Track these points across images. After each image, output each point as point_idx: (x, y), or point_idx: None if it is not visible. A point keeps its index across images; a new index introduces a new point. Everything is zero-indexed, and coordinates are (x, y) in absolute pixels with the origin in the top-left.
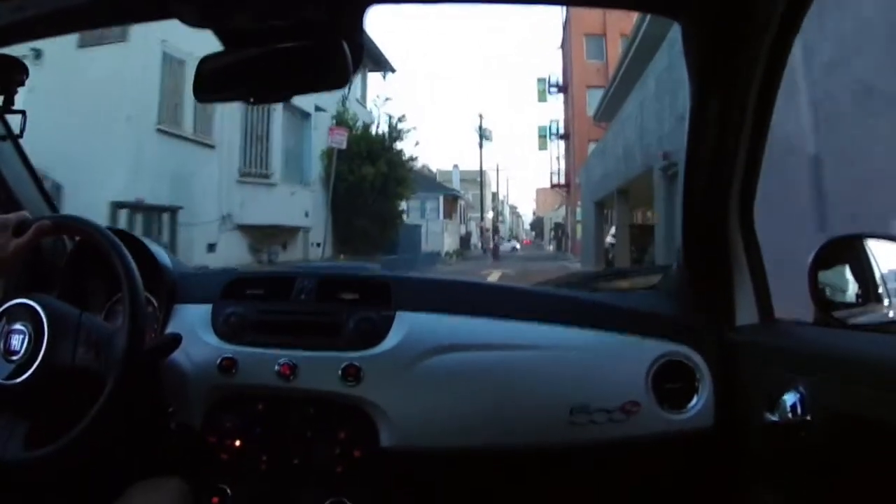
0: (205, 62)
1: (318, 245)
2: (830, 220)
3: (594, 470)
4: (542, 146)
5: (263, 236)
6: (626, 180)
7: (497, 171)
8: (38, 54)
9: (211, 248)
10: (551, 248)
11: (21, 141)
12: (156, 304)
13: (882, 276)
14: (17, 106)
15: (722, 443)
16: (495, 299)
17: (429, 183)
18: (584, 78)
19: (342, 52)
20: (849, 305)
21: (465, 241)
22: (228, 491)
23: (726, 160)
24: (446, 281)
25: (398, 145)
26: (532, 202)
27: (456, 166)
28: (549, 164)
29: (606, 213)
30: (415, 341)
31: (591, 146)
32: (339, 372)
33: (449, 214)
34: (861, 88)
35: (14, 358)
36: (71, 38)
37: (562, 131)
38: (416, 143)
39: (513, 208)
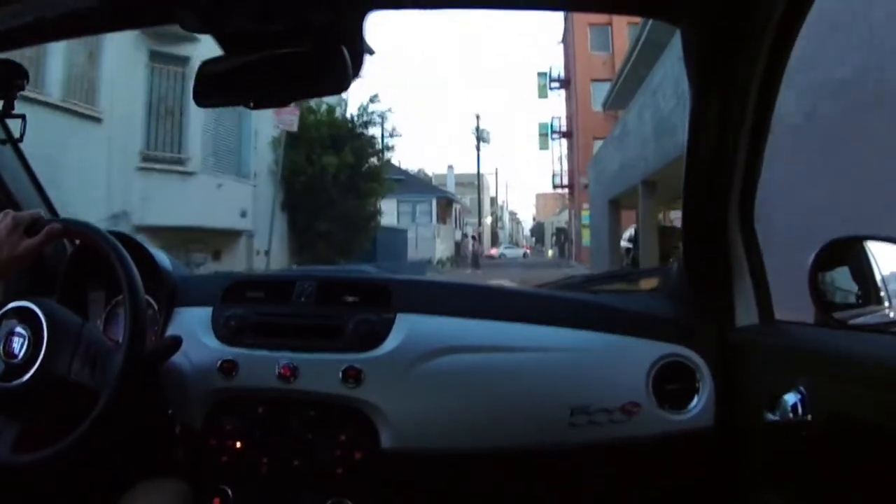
0: (205, 66)
1: (266, 253)
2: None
3: (595, 471)
4: (543, 145)
5: (180, 242)
6: (654, 169)
7: (496, 174)
8: None
9: None
10: (550, 253)
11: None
12: (156, 307)
13: (882, 278)
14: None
15: (722, 443)
16: (495, 301)
17: (421, 185)
18: (588, 70)
19: (342, 58)
20: (849, 306)
21: (459, 246)
22: (229, 493)
23: (726, 162)
24: (446, 283)
25: (370, 131)
26: (532, 207)
27: (451, 167)
28: (550, 165)
29: (622, 213)
30: (415, 343)
31: (597, 144)
32: (340, 374)
33: (443, 219)
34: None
35: (12, 360)
36: None
37: (564, 129)
38: (392, 131)
39: (512, 214)
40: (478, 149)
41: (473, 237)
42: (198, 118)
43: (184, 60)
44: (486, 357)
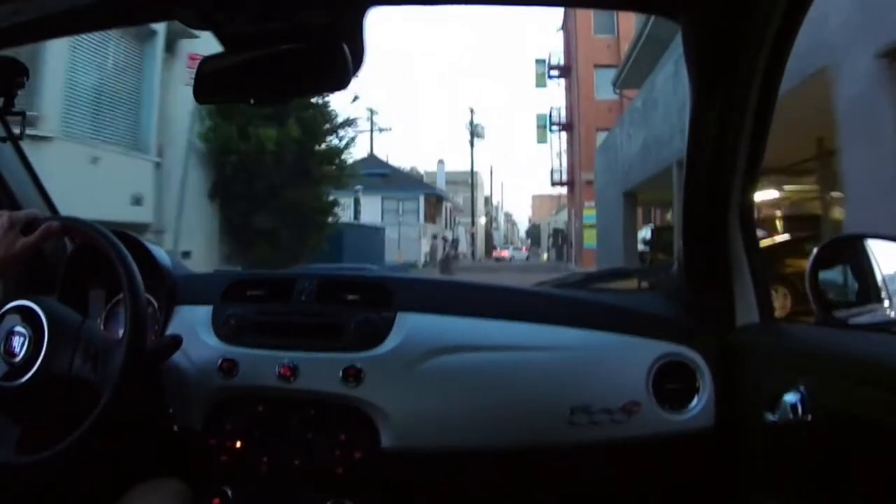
0: (205, 63)
1: (185, 255)
2: None
3: (595, 470)
4: (542, 138)
5: None
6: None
7: (490, 172)
8: None
9: None
10: (545, 256)
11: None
12: (156, 306)
13: (882, 276)
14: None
15: (722, 443)
16: (496, 300)
17: (408, 181)
18: (591, 56)
19: (342, 55)
20: (849, 305)
21: (434, 251)
22: (229, 492)
23: (726, 161)
24: (447, 282)
25: (323, 98)
26: (528, 209)
27: (441, 162)
28: (548, 163)
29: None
30: (415, 342)
31: (601, 136)
32: (340, 373)
33: (431, 218)
34: None
35: (13, 360)
36: None
37: (564, 120)
38: (355, 99)
39: (508, 216)
40: (471, 144)
41: (445, 238)
42: (59, 61)
43: None
44: (486, 356)
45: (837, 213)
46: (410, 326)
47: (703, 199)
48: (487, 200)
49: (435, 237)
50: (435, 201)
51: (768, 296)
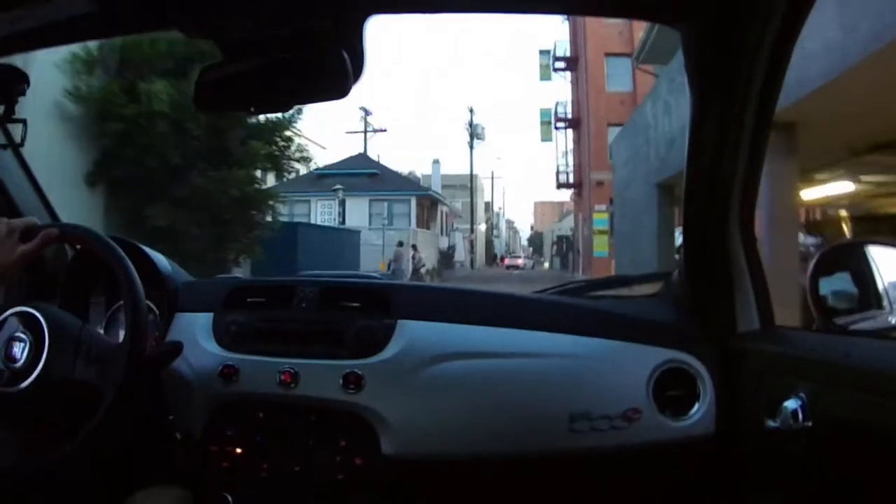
0: (205, 72)
1: None
2: None
3: (595, 477)
4: (546, 136)
5: None
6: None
7: (492, 178)
8: None
9: None
10: (546, 265)
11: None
12: (157, 313)
13: (883, 283)
14: None
15: (723, 449)
16: (496, 307)
17: (399, 181)
18: (601, 44)
19: (342, 63)
20: (850, 312)
21: (446, 256)
22: (230, 499)
23: (727, 167)
24: (447, 289)
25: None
26: (530, 217)
27: (437, 162)
28: (552, 164)
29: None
30: (416, 349)
31: (613, 133)
32: (340, 380)
33: (425, 222)
34: None
35: (14, 365)
36: None
37: (571, 116)
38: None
39: (510, 223)
40: (471, 146)
41: (414, 246)
42: None
43: None
44: (486, 363)
45: None
46: (411, 334)
47: (704, 206)
48: (488, 206)
49: (401, 244)
50: (429, 204)
51: (769, 302)
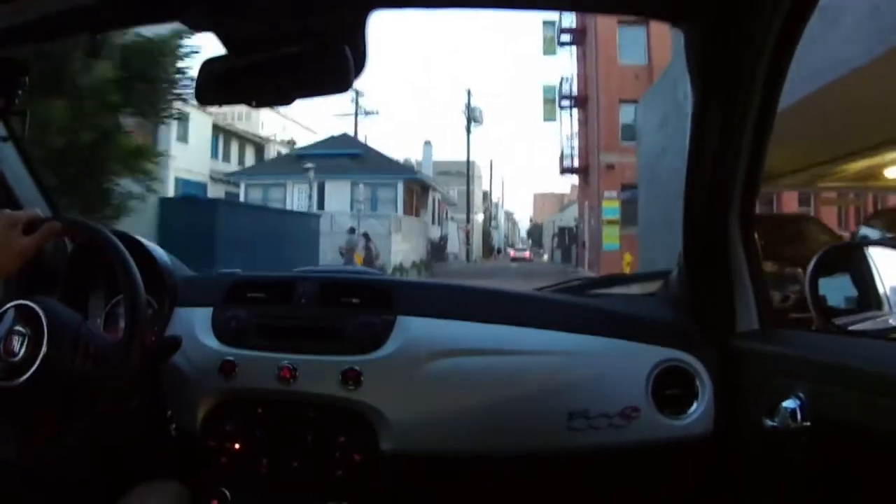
0: (208, 65)
1: None
2: None
3: (593, 475)
4: (549, 115)
5: None
6: None
7: (490, 166)
8: None
9: None
10: (546, 257)
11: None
12: (156, 307)
13: (882, 284)
14: None
15: (721, 449)
16: (496, 304)
17: (385, 164)
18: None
19: (344, 57)
20: (849, 312)
21: (437, 247)
22: (228, 495)
23: (727, 166)
24: (447, 285)
25: None
26: (530, 207)
27: (428, 143)
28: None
29: None
30: (415, 346)
31: (626, 110)
32: (340, 376)
33: (415, 210)
34: None
35: (12, 359)
36: None
37: (576, 93)
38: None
39: (508, 214)
40: (468, 130)
41: (365, 234)
42: None
43: None
44: (485, 360)
45: None
46: (410, 330)
47: (704, 204)
48: (486, 196)
49: (352, 231)
50: (419, 190)
51: (768, 302)
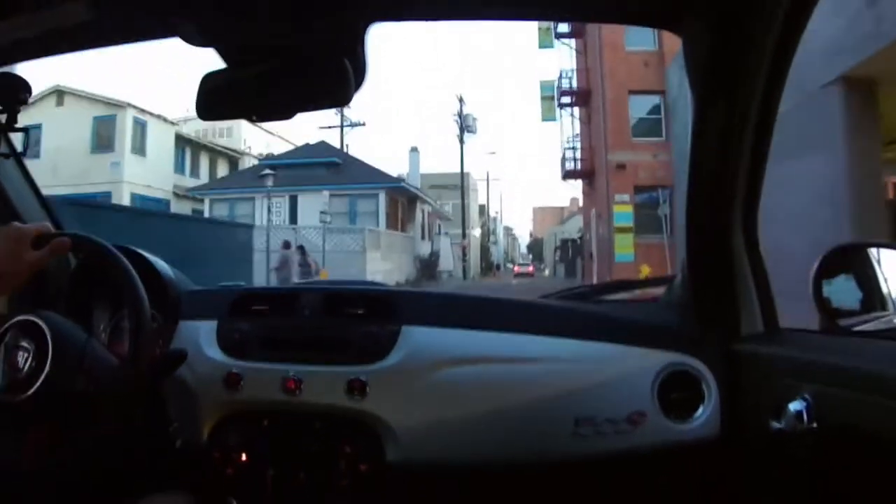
0: (207, 80)
1: None
2: None
3: (601, 481)
4: (548, 114)
5: None
6: None
7: (487, 179)
8: None
9: None
10: (547, 272)
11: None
12: (161, 321)
13: (887, 284)
14: None
15: (728, 452)
16: (500, 313)
17: (366, 172)
18: None
19: (344, 70)
20: (854, 313)
21: (428, 263)
22: None
23: (729, 170)
24: (451, 295)
25: None
26: (529, 222)
27: (415, 150)
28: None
29: None
30: (420, 355)
31: (636, 102)
32: (345, 386)
33: (400, 223)
34: None
35: (17, 374)
36: None
37: (578, 88)
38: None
39: (508, 230)
40: (461, 140)
41: (301, 247)
42: None
43: None
44: (490, 368)
45: None
46: (415, 340)
47: (707, 208)
48: (483, 210)
49: (287, 245)
50: (405, 202)
51: (772, 304)
